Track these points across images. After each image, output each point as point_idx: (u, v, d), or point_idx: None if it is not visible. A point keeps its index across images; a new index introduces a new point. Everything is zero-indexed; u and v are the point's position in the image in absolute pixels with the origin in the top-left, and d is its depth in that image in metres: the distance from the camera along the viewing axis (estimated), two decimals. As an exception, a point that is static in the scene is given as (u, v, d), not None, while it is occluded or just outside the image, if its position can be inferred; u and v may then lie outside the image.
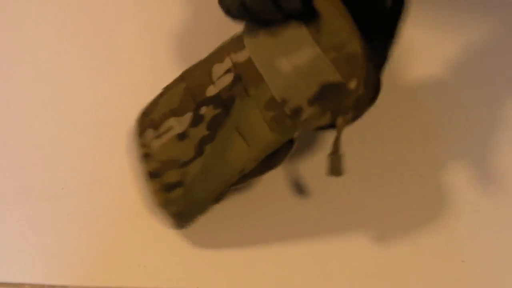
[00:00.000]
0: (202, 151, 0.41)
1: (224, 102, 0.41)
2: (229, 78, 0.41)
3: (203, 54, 0.45)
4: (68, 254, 0.44)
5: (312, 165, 0.48)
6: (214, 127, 0.41)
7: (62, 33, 0.58)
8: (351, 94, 0.38)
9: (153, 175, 0.43)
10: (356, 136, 0.47)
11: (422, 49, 0.54)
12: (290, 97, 0.39)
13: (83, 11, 0.60)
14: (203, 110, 0.41)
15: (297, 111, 0.39)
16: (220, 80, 0.41)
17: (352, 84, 0.37)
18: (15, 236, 0.45)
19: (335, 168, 0.40)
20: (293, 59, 0.38)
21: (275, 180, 0.48)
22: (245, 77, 0.40)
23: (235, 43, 0.42)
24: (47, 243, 0.45)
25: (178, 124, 0.42)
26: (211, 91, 0.42)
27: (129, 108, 0.53)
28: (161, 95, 0.45)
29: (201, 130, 0.41)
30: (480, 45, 0.56)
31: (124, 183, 0.48)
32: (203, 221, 0.47)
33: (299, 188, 0.48)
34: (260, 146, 0.40)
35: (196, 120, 0.42)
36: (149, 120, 0.44)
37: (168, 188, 0.42)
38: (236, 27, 0.43)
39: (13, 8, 0.60)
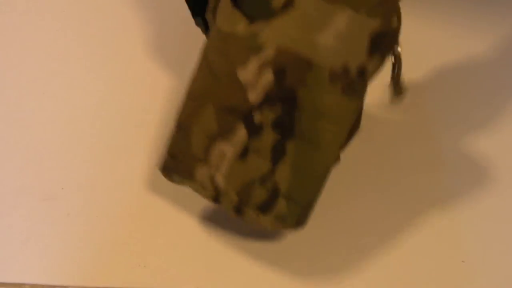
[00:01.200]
0: (284, 151, 0.38)
1: (282, 99, 0.38)
2: (268, 76, 0.38)
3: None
4: (68, 254, 0.44)
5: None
6: (284, 125, 0.38)
7: (61, 32, 0.58)
8: (396, 30, 0.38)
9: (239, 209, 0.39)
10: (356, 137, 0.47)
11: (421, 48, 0.54)
12: (348, 63, 0.37)
13: (84, 11, 0.60)
14: (257, 117, 0.38)
15: (361, 71, 0.38)
16: (258, 82, 0.38)
17: (394, 21, 0.38)
18: (15, 236, 0.45)
19: (400, 90, 0.40)
20: (330, 30, 0.37)
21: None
22: (289, 67, 0.37)
23: (242, 42, 0.38)
24: (47, 243, 0.45)
25: (230, 145, 0.39)
26: (254, 96, 0.38)
27: (129, 108, 0.53)
28: (177, 131, 0.41)
29: (268, 136, 0.38)
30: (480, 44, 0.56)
31: (124, 183, 0.48)
32: (203, 221, 0.46)
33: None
34: (346, 119, 0.38)
35: (254, 130, 0.38)
36: (188, 160, 0.40)
37: (265, 208, 0.39)
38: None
39: (14, 8, 0.60)
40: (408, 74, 0.52)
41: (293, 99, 0.37)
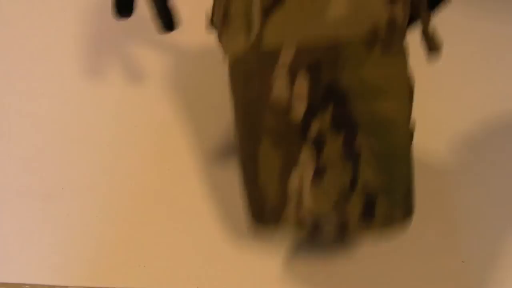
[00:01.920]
0: (357, 150, 0.34)
1: (327, 97, 0.34)
2: (302, 80, 0.34)
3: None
4: (68, 254, 0.44)
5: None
6: (343, 124, 0.34)
7: (61, 32, 0.58)
8: None
9: (342, 228, 0.36)
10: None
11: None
12: (373, 23, 0.34)
13: (83, 11, 0.60)
14: (313, 128, 0.34)
15: (391, 24, 0.34)
16: (295, 91, 0.34)
17: None
18: (15, 236, 0.45)
19: (433, 44, 0.36)
20: (339, 2, 0.34)
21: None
22: (318, 60, 0.34)
23: (254, 58, 0.35)
24: (47, 243, 0.45)
25: (303, 172, 0.35)
26: (299, 108, 0.34)
27: (130, 108, 0.53)
28: (247, 187, 0.37)
29: (333, 143, 0.34)
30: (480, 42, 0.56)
31: (124, 183, 0.48)
32: (203, 221, 0.46)
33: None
34: (401, 85, 0.34)
35: (317, 143, 0.34)
36: (271, 209, 0.36)
37: (369, 213, 0.35)
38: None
39: (15, 7, 0.60)
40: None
41: (339, 91, 0.34)
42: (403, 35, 0.35)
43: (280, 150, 0.35)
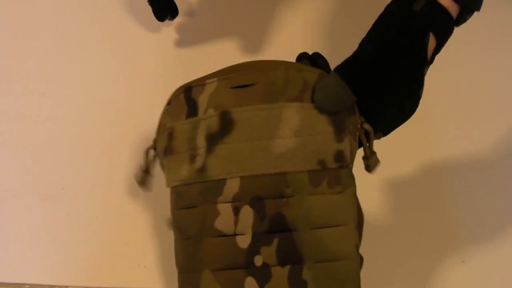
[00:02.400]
0: (303, 281, 0.33)
1: (272, 229, 0.33)
2: (246, 213, 0.33)
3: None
4: (68, 254, 0.44)
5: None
6: (289, 255, 0.33)
7: (61, 32, 0.58)
8: (354, 104, 0.34)
9: None
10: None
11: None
12: (320, 155, 0.33)
13: (84, 11, 0.60)
14: (258, 260, 0.33)
15: (338, 156, 0.34)
16: (239, 223, 0.33)
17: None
18: (15, 236, 0.45)
19: (373, 165, 0.36)
20: (285, 131, 0.33)
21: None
22: (263, 192, 0.33)
23: (197, 190, 0.34)
24: (47, 243, 0.45)
25: None
26: (243, 240, 0.33)
27: (130, 108, 0.53)
28: None
29: (279, 274, 0.33)
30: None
31: (124, 183, 0.48)
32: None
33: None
34: (348, 215, 0.34)
35: (262, 275, 0.33)
36: None
37: None
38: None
39: (15, 7, 0.60)
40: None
41: (284, 223, 0.33)
42: (349, 166, 0.35)
43: (223, 281, 0.34)
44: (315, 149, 0.33)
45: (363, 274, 0.44)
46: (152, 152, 0.38)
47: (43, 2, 0.60)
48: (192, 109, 0.35)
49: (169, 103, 0.37)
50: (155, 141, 0.38)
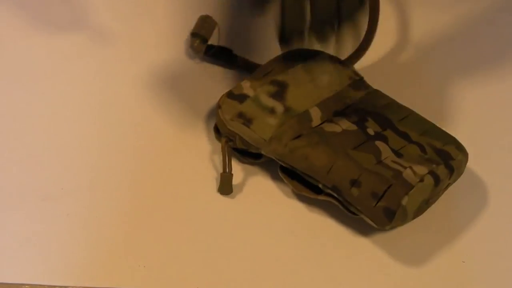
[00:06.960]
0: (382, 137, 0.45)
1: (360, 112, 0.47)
2: (339, 120, 0.46)
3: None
4: (68, 254, 0.44)
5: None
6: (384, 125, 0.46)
7: (61, 32, 0.58)
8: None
9: (437, 180, 0.44)
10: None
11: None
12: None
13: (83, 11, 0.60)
14: (369, 130, 0.46)
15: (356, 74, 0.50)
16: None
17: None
18: (15, 236, 0.45)
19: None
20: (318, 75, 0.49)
21: (276, 181, 0.48)
22: (338, 108, 0.47)
23: (300, 123, 0.46)
24: (47, 243, 0.45)
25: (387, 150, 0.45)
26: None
27: (129, 108, 0.53)
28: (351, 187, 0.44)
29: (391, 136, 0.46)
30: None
31: (124, 183, 0.48)
32: (204, 221, 0.46)
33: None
34: None
35: (382, 138, 0.45)
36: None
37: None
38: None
39: (16, 6, 0.60)
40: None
41: (362, 108, 0.47)
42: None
43: (358, 151, 0.45)
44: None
45: (363, 273, 0.44)
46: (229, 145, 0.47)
47: (42, 2, 0.60)
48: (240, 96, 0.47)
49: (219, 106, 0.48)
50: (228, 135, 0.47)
